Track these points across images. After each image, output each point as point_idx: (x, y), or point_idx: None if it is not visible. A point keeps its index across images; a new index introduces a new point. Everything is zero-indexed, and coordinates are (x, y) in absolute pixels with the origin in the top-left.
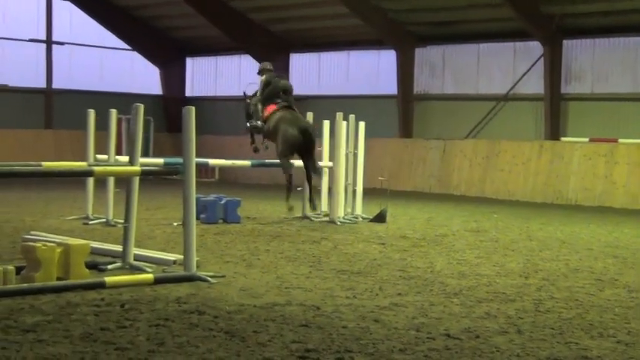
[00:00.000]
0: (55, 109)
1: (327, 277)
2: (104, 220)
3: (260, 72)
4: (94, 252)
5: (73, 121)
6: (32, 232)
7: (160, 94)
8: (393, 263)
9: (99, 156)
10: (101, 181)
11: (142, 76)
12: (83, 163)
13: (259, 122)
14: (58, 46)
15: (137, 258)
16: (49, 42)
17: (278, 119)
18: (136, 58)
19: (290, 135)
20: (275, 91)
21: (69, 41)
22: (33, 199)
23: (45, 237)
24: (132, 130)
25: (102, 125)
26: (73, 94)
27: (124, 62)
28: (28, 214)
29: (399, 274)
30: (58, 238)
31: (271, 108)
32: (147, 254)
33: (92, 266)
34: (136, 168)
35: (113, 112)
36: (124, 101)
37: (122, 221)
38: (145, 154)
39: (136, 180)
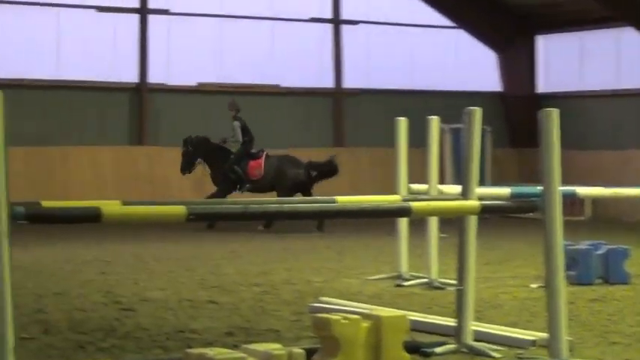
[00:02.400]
0: (347, 115)
1: None
2: (425, 280)
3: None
4: (415, 327)
5: (370, 133)
6: (323, 299)
7: (497, 91)
8: None
9: (413, 186)
10: (417, 223)
11: (470, 65)
12: (395, 197)
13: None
14: (350, 26)
15: (478, 336)
16: (336, 21)
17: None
18: (462, 39)
19: None
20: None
21: (364, 19)
22: (319, 250)
23: (342, 306)
24: (464, 146)
25: (414, 139)
26: (368, 95)
27: (444, 46)
28: (314, 271)
29: None
30: (362, 308)
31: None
32: (491, 331)
33: (413, 348)
34: (473, 203)
35: (434, 120)
36: (444, 103)
37: (453, 282)
38: (480, 180)
39: (472, 220)
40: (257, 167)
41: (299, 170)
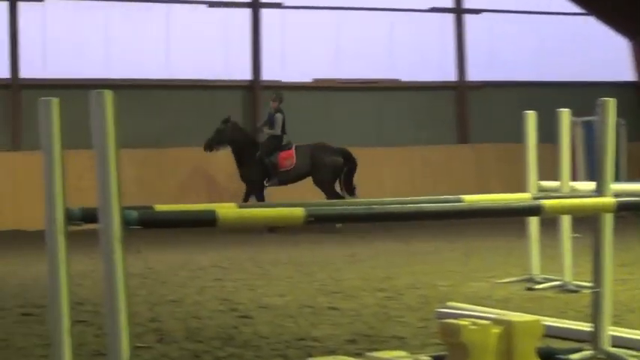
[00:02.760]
0: (471, 109)
1: None
2: (558, 282)
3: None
4: (549, 333)
5: (496, 128)
6: (450, 304)
7: (630, 81)
8: None
9: (543, 183)
10: (547, 222)
11: (601, 54)
12: (525, 195)
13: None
14: (472, 15)
15: (615, 342)
16: (458, 10)
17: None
18: (592, 26)
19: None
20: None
21: (487, 7)
22: (444, 252)
23: (470, 311)
24: (597, 139)
25: (543, 133)
26: (494, 87)
27: (573, 35)
28: (441, 274)
29: None
30: (492, 313)
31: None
32: (631, 336)
33: (547, 355)
34: (609, 200)
35: (564, 112)
36: (575, 95)
37: (588, 284)
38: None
39: (608, 219)
40: (288, 157)
41: (336, 157)
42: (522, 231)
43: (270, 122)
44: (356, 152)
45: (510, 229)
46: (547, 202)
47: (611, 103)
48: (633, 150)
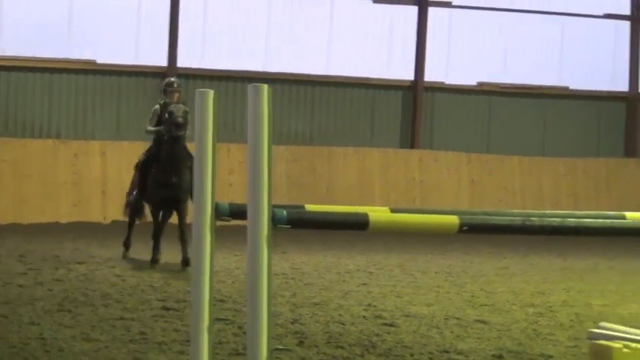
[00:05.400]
0: None
1: None
2: None
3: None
4: None
5: None
6: (603, 324)
7: None
8: None
9: None
10: None
11: None
12: None
13: None
14: None
15: None
16: (635, 17)
17: None
18: None
19: None
20: None
21: None
22: (601, 270)
23: (625, 333)
24: None
25: None
26: None
27: None
28: (596, 293)
29: None
30: None
31: None
32: None
33: None
34: None
35: None
36: None
37: None
38: None
39: None
40: None
41: None
42: None
43: None
44: (516, 160)
45: None
46: None
47: None
48: None
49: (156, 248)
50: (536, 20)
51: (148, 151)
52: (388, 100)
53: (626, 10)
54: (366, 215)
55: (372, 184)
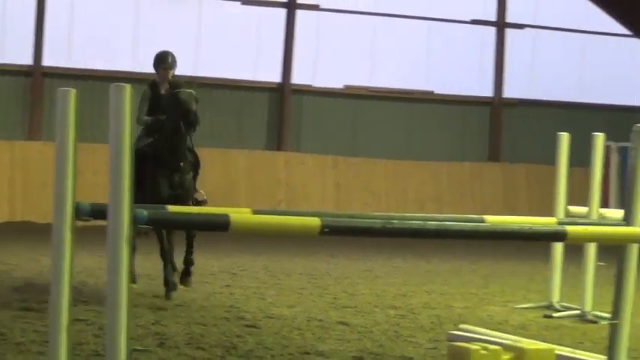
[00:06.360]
0: (504, 127)
1: None
2: (577, 311)
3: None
4: None
5: (529, 148)
6: (463, 327)
7: None
8: None
9: (572, 208)
10: (572, 249)
11: None
12: (550, 220)
13: None
14: (515, 30)
15: None
16: (500, 24)
17: None
18: (638, 48)
19: None
20: None
21: (531, 23)
22: (463, 273)
23: (484, 335)
24: (629, 167)
25: (577, 157)
26: (529, 106)
27: (617, 56)
28: (458, 295)
29: None
30: (505, 339)
31: None
32: None
33: None
34: (636, 230)
35: (599, 136)
36: (613, 119)
37: (608, 315)
38: None
39: (634, 249)
40: None
41: None
42: (548, 256)
43: None
44: (382, 164)
45: (536, 253)
46: (571, 229)
47: None
48: None
49: (166, 268)
50: (404, 25)
51: (139, 139)
52: (255, 102)
53: (492, 16)
54: (227, 216)
55: (237, 185)
